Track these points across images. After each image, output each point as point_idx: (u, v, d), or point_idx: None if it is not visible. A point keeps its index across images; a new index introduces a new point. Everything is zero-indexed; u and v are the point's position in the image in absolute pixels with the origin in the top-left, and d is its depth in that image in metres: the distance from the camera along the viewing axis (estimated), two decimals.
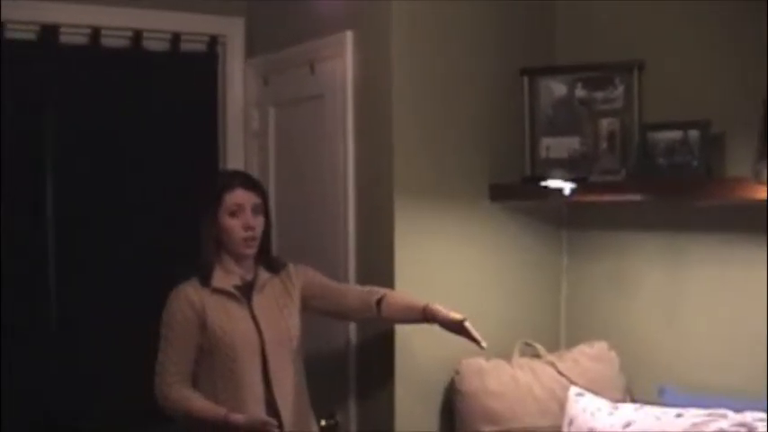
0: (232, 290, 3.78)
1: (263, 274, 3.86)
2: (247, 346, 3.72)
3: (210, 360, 3.74)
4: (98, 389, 4.85)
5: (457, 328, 3.75)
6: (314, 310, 3.96)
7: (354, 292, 3.99)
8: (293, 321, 3.86)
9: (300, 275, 3.94)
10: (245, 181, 3.86)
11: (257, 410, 3.69)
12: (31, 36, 4.73)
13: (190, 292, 3.76)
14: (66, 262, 4.81)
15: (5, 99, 4.66)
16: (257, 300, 3.81)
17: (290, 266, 3.96)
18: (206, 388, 3.75)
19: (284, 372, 3.79)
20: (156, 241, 4.93)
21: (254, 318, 3.77)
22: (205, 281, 3.77)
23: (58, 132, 4.79)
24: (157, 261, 4.82)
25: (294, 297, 3.89)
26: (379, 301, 3.85)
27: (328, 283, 4.00)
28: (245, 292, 3.81)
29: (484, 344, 3.72)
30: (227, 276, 3.80)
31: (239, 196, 3.76)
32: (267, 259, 3.89)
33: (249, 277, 3.84)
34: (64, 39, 4.79)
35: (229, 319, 3.73)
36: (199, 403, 3.70)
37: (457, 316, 3.73)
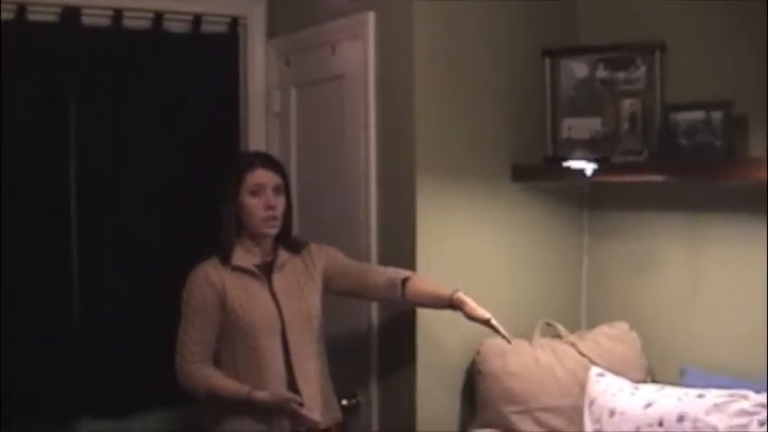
0: (252, 268, 3.80)
1: (284, 254, 3.87)
2: (268, 324, 3.74)
3: (231, 339, 3.77)
4: (120, 370, 4.88)
5: (482, 323, 3.72)
6: (336, 289, 3.96)
7: (378, 271, 3.97)
8: (314, 301, 3.87)
9: (322, 255, 3.95)
10: (267, 161, 3.88)
11: (279, 388, 3.70)
12: (52, 18, 4.73)
13: (210, 271, 3.78)
14: (88, 244, 4.83)
15: (28, 81, 4.67)
16: (277, 279, 3.83)
17: (312, 246, 3.97)
18: (227, 367, 3.77)
19: (305, 351, 3.80)
20: (178, 222, 4.96)
21: (274, 297, 3.78)
22: (225, 260, 3.79)
23: (80, 114, 4.79)
24: (179, 242, 4.84)
25: (315, 277, 3.90)
26: (404, 282, 3.84)
27: (350, 262, 4.00)
28: (266, 271, 3.83)
29: (511, 340, 3.70)
30: (247, 255, 3.81)
31: (261, 176, 3.77)
32: (287, 239, 3.91)
33: (269, 257, 3.86)
34: (86, 20, 4.79)
35: (249, 298, 3.75)
36: (221, 381, 3.72)
37: (483, 314, 3.68)
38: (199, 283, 3.78)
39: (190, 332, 3.77)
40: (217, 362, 3.79)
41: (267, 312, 3.75)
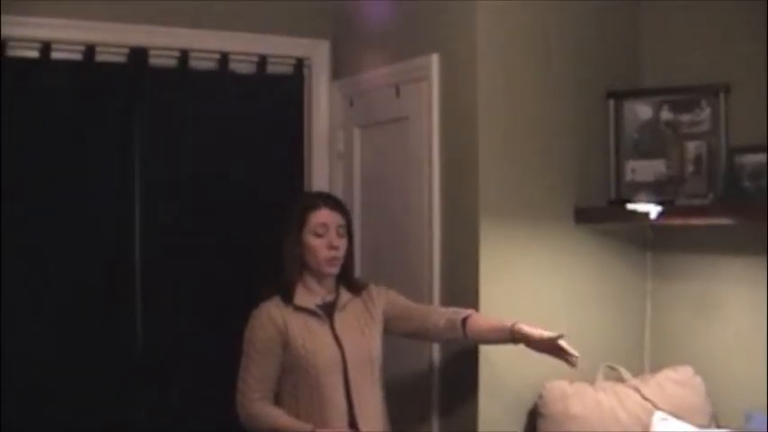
0: (314, 308, 3.82)
1: (345, 294, 3.89)
2: (330, 364, 3.75)
3: (293, 378, 3.78)
4: (184, 410, 4.91)
5: (547, 346, 3.66)
6: (396, 330, 3.96)
7: (438, 312, 3.97)
8: (374, 342, 3.88)
9: (382, 296, 3.96)
10: (330, 201, 3.91)
11: (342, 426, 3.71)
12: (121, 59, 4.81)
13: (272, 310, 3.80)
14: (152, 284, 4.87)
15: (96, 122, 4.75)
16: (339, 319, 3.84)
17: (372, 287, 3.98)
18: (288, 406, 3.78)
19: (366, 392, 3.81)
20: (241, 263, 4.97)
21: (335, 337, 3.79)
22: (287, 299, 3.81)
23: (146, 154, 4.85)
24: (243, 281, 4.84)
25: (375, 317, 3.91)
26: (464, 321, 3.83)
27: (410, 304, 4.00)
28: (327, 311, 3.85)
29: (576, 358, 3.63)
30: (309, 295, 3.84)
31: (324, 216, 3.80)
32: (349, 280, 3.92)
33: (330, 297, 3.87)
34: (153, 61, 4.86)
35: (312, 338, 3.76)
36: (284, 419, 3.73)
37: (551, 334, 3.64)
38: (262, 322, 3.80)
39: (252, 370, 3.79)
40: (278, 401, 3.80)
41: (330, 353, 3.76)
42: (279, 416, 3.75)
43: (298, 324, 3.78)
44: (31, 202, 4.65)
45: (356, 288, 3.93)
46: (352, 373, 3.77)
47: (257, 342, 3.80)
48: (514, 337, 3.72)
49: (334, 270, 3.83)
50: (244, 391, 3.80)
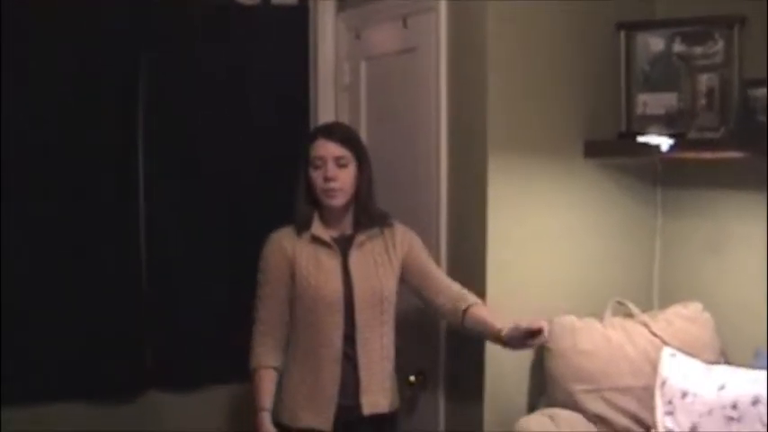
0: (327, 239, 3.78)
1: (365, 231, 3.84)
2: (332, 301, 3.72)
3: (295, 310, 3.77)
4: (189, 343, 4.92)
5: (521, 335, 3.58)
6: (407, 283, 3.93)
7: (448, 292, 3.88)
8: (387, 283, 3.84)
9: (406, 244, 3.91)
10: (329, 132, 3.85)
11: (333, 367, 3.71)
12: None
13: (283, 239, 3.79)
14: (158, 217, 4.86)
15: (102, 56, 4.70)
16: (354, 255, 3.80)
17: (399, 228, 3.93)
18: (291, 336, 3.79)
19: (372, 332, 3.79)
20: (249, 195, 4.97)
21: (347, 273, 3.76)
22: (299, 230, 3.78)
23: (150, 87, 4.81)
24: (250, 216, 4.88)
25: (393, 260, 3.87)
26: (465, 311, 3.81)
27: (429, 268, 3.93)
28: (342, 245, 3.81)
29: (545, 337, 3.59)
30: (325, 228, 3.80)
31: (320, 147, 3.76)
32: (367, 212, 3.85)
33: (348, 231, 3.83)
34: None
35: (318, 272, 3.74)
36: (258, 382, 3.76)
37: (539, 323, 3.54)
38: (272, 249, 3.80)
39: (264, 301, 3.80)
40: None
41: (333, 287, 3.73)
42: (261, 373, 3.76)
43: (307, 256, 3.76)
44: (33, 146, 4.60)
45: (373, 221, 3.87)
46: (359, 313, 3.75)
47: (268, 270, 3.80)
48: (497, 338, 3.68)
49: (335, 202, 3.77)
50: (255, 324, 3.81)
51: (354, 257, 3.79)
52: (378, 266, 3.82)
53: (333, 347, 3.73)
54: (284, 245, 3.77)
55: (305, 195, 3.80)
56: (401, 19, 4.50)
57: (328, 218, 3.81)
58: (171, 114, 4.85)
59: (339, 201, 3.77)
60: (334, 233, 3.81)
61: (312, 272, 3.73)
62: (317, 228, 3.78)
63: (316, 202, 3.80)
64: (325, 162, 3.73)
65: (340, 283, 3.75)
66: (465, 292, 3.88)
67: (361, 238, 3.82)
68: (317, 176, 3.74)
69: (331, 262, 3.76)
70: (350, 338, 3.75)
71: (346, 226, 3.83)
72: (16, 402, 4.49)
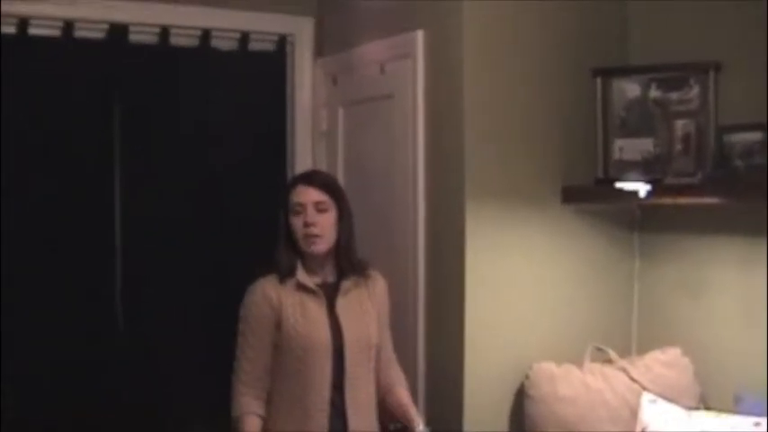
0: (313, 286, 3.72)
1: (349, 278, 3.79)
2: (319, 349, 3.65)
3: (280, 358, 3.70)
4: (165, 388, 4.87)
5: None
6: None
7: (390, 372, 3.91)
8: (373, 330, 3.79)
9: (383, 297, 3.89)
10: (308, 178, 3.81)
11: (320, 419, 3.64)
12: (100, 35, 4.74)
13: (267, 287, 3.71)
14: (134, 261, 4.82)
15: (75, 97, 4.68)
16: (341, 302, 3.74)
17: (378, 279, 3.89)
18: (275, 384, 3.71)
19: (360, 379, 3.73)
20: (224, 241, 4.93)
21: (336, 320, 3.71)
22: (283, 277, 3.73)
23: (126, 131, 4.79)
24: (228, 264, 4.84)
25: (374, 306, 3.83)
26: (391, 391, 3.86)
27: (385, 335, 3.90)
28: (327, 292, 3.76)
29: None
30: (308, 275, 3.75)
31: (300, 194, 3.71)
32: (348, 259, 3.79)
33: (330, 279, 3.79)
34: (133, 37, 4.79)
35: (305, 320, 3.67)
36: (243, 429, 3.68)
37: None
38: (255, 299, 3.72)
39: (246, 351, 3.71)
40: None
41: (322, 335, 3.67)
42: (245, 422, 3.69)
43: (293, 303, 3.69)
44: (7, 180, 4.56)
45: (355, 268, 3.81)
46: (349, 359, 3.69)
47: (251, 320, 3.71)
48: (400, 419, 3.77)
49: (316, 248, 3.71)
50: (236, 374, 3.73)
51: (341, 304, 3.75)
52: (364, 313, 3.78)
53: (320, 396, 3.65)
54: (269, 293, 3.70)
55: (286, 243, 3.76)
56: (379, 65, 4.51)
57: (311, 265, 3.76)
58: (147, 160, 4.83)
59: (320, 247, 3.72)
60: (318, 280, 3.76)
61: (299, 320, 3.67)
62: (302, 275, 3.74)
63: (298, 250, 3.77)
64: (305, 208, 3.70)
65: (328, 330, 3.69)
66: (401, 375, 3.92)
67: (346, 284, 3.77)
68: (296, 222, 3.70)
69: (318, 309, 3.71)
70: (337, 387, 3.69)
71: (328, 273, 3.79)
72: None
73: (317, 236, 3.69)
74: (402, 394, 3.85)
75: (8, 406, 4.50)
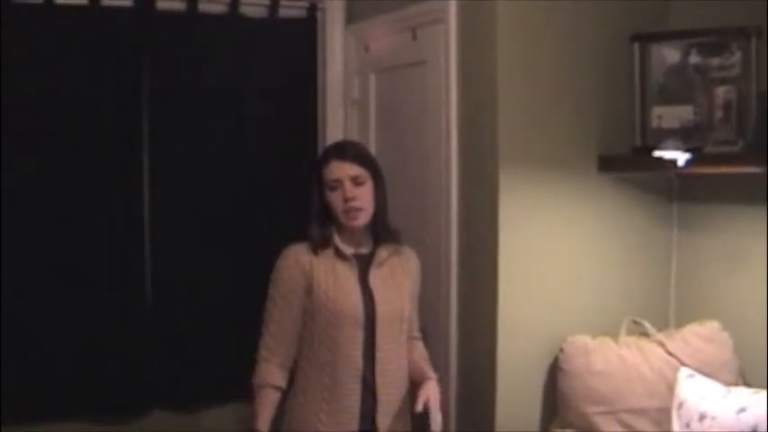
0: (348, 254, 3.70)
1: (384, 250, 3.77)
2: (351, 315, 3.63)
3: (311, 325, 3.68)
4: (193, 361, 4.87)
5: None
6: None
7: (413, 351, 3.89)
8: (406, 303, 3.78)
9: (415, 275, 3.87)
10: (342, 152, 3.75)
11: (353, 388, 3.62)
12: (127, 3, 4.69)
13: (301, 253, 3.70)
14: (163, 232, 4.81)
15: (102, 65, 4.65)
16: (375, 273, 3.72)
17: (413, 256, 3.88)
18: (306, 352, 3.69)
19: (392, 351, 3.71)
20: (254, 210, 4.91)
21: (368, 290, 3.68)
22: (317, 248, 3.69)
23: (155, 100, 4.75)
24: (258, 234, 4.84)
25: (407, 283, 3.81)
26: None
27: (415, 312, 3.91)
28: (362, 263, 3.73)
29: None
30: (345, 245, 3.72)
31: (334, 169, 3.67)
32: (385, 228, 3.78)
33: (364, 250, 3.75)
34: (161, 5, 4.75)
35: (337, 287, 3.65)
36: (260, 401, 3.67)
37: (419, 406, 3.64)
38: (288, 263, 3.70)
39: (274, 315, 3.70)
40: (300, 344, 3.71)
41: (352, 302, 3.65)
42: (262, 395, 3.68)
43: (325, 268, 3.67)
44: (34, 150, 4.56)
45: (391, 238, 3.79)
46: (380, 330, 3.67)
47: (281, 284, 3.69)
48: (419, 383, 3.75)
49: (357, 222, 3.68)
50: (263, 337, 3.71)
51: (375, 275, 3.72)
52: (397, 286, 3.76)
53: (352, 364, 3.64)
54: (301, 258, 3.68)
55: (319, 217, 3.72)
56: (411, 31, 4.46)
57: (345, 237, 3.73)
58: (176, 132, 4.80)
59: (361, 221, 3.69)
60: (352, 251, 3.73)
61: (331, 286, 3.65)
62: (340, 243, 3.70)
63: (330, 223, 3.72)
64: (342, 183, 3.65)
65: (360, 299, 3.66)
66: (424, 352, 3.92)
67: (381, 255, 3.75)
68: (335, 199, 3.66)
69: (351, 278, 3.68)
70: (368, 358, 3.66)
71: (363, 244, 3.76)
72: (17, 421, 4.44)
73: (358, 209, 3.65)
74: (420, 360, 3.85)
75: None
